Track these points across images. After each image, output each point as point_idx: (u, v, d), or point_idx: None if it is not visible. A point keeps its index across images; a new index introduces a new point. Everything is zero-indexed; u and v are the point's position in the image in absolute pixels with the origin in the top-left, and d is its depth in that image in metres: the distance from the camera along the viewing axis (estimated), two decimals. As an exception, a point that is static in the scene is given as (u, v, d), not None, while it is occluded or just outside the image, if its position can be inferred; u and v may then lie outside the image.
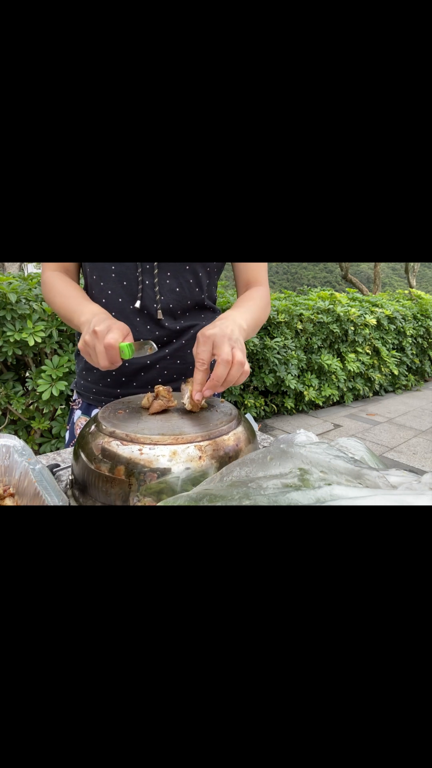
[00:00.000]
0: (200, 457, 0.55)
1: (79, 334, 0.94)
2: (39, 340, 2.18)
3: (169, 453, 0.55)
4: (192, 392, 0.64)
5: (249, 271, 0.94)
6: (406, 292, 5.88)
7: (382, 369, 4.59)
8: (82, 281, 0.95)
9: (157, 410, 0.64)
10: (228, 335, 0.65)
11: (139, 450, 0.55)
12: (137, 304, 0.85)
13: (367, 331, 4.36)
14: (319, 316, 3.87)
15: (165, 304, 0.86)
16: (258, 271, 0.95)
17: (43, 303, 2.31)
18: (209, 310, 0.95)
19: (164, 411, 0.65)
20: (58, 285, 0.87)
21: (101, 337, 0.66)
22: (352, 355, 4.22)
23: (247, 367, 0.65)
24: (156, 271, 0.84)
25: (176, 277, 0.86)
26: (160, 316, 0.86)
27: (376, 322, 4.44)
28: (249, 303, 0.85)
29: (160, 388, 0.66)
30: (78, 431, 0.96)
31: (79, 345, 0.70)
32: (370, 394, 4.58)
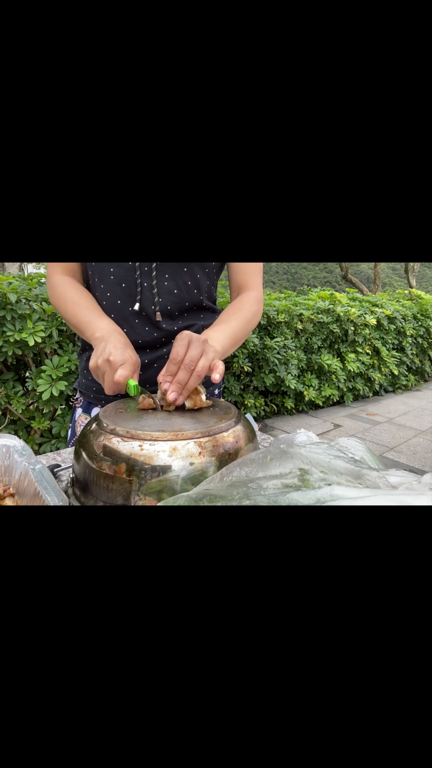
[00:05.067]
0: (200, 453, 0.55)
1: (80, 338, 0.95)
2: (39, 340, 2.18)
3: (169, 449, 0.55)
4: (163, 389, 0.65)
5: (241, 275, 0.94)
6: (406, 292, 5.88)
7: (382, 369, 4.59)
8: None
9: (146, 407, 0.66)
10: (204, 340, 0.69)
11: (140, 446, 0.55)
12: (136, 306, 0.85)
13: (367, 331, 4.35)
14: (319, 316, 3.86)
15: (163, 306, 0.86)
16: (250, 275, 0.94)
17: (43, 303, 2.31)
18: (209, 310, 0.95)
19: (154, 409, 0.67)
20: (70, 291, 0.86)
21: (113, 369, 0.68)
22: (352, 355, 4.22)
23: (215, 358, 0.68)
24: (154, 273, 0.85)
25: (174, 279, 0.86)
26: (158, 318, 0.86)
27: (376, 322, 4.44)
28: (232, 319, 0.86)
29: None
30: (79, 429, 0.96)
31: (90, 366, 0.72)
32: (370, 394, 4.58)
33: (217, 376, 0.66)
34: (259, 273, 0.95)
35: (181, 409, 0.66)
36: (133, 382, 0.68)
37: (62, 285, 0.88)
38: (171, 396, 0.64)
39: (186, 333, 0.67)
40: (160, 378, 0.65)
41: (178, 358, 0.65)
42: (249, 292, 0.93)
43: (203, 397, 0.67)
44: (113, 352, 0.69)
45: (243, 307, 0.90)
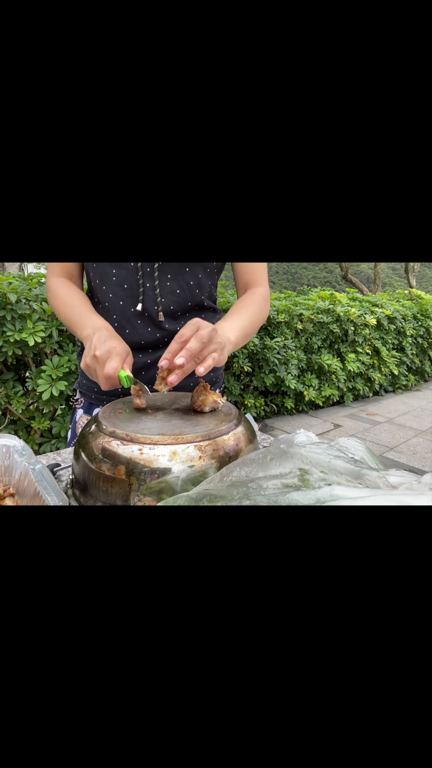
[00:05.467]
0: (200, 457, 0.55)
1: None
2: (39, 340, 2.18)
3: (169, 453, 0.55)
4: (162, 367, 0.63)
5: (248, 272, 0.95)
6: (406, 292, 5.88)
7: (382, 369, 4.59)
8: (85, 285, 0.95)
9: (138, 406, 0.66)
10: (214, 328, 0.67)
11: (140, 450, 0.55)
12: (138, 307, 0.85)
13: (367, 331, 4.35)
14: (319, 316, 3.86)
15: (166, 306, 0.86)
16: (257, 271, 0.95)
17: (43, 303, 2.31)
18: (210, 310, 0.95)
19: (159, 409, 0.66)
20: (62, 293, 0.87)
21: (101, 364, 0.67)
22: (352, 355, 4.22)
23: (222, 350, 0.67)
24: (156, 273, 0.85)
25: (176, 279, 0.86)
26: (161, 318, 0.86)
27: (376, 322, 4.44)
28: (243, 311, 0.87)
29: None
30: (80, 430, 0.96)
31: (82, 366, 0.72)
32: (370, 394, 4.57)
33: (201, 369, 0.64)
34: (264, 270, 0.96)
35: (181, 410, 0.66)
36: (124, 373, 0.67)
37: (57, 287, 0.89)
38: (179, 360, 0.61)
39: (196, 320, 0.66)
40: (162, 362, 0.64)
41: (183, 338, 0.63)
42: (256, 289, 0.94)
43: (218, 399, 0.66)
44: (98, 346, 0.69)
45: (252, 302, 0.91)
